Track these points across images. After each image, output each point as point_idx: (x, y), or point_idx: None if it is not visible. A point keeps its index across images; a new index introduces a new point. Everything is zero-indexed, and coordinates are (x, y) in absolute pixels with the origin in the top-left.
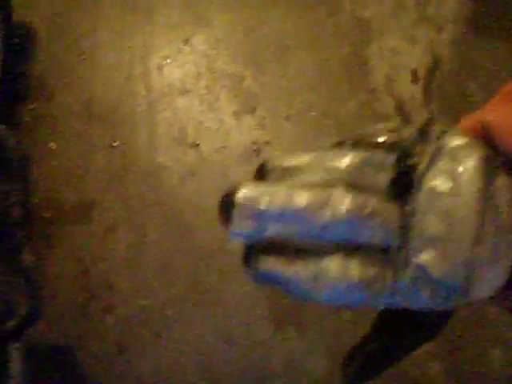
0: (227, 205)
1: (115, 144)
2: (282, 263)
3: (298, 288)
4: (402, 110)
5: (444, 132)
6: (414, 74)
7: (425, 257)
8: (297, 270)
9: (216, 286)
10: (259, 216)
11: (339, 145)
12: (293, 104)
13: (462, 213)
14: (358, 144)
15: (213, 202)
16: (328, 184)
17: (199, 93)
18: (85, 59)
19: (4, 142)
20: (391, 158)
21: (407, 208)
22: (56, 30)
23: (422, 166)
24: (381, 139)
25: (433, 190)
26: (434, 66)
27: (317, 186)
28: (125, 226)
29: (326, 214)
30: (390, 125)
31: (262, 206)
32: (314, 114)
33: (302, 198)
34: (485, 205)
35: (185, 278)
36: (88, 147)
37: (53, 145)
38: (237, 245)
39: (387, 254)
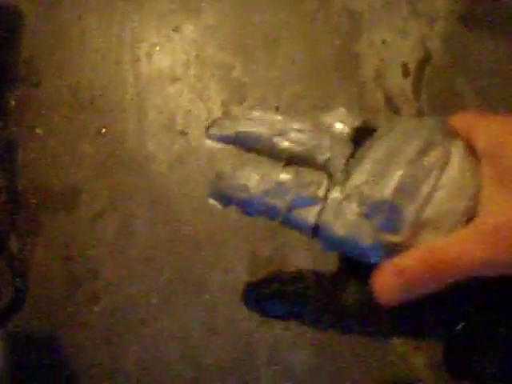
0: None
1: (103, 131)
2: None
3: (243, 197)
4: (391, 103)
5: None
6: (405, 67)
7: (364, 177)
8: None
9: (202, 275)
10: (235, 121)
11: None
12: (282, 95)
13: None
14: None
15: (201, 190)
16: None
17: (188, 81)
18: (73, 45)
19: None
20: (359, 116)
21: (362, 149)
22: (44, 14)
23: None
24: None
25: (385, 138)
26: (425, 60)
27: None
28: (112, 214)
29: (289, 125)
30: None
31: (240, 116)
32: (303, 105)
33: (273, 116)
34: (433, 147)
35: (171, 267)
36: (75, 133)
37: (39, 130)
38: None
39: (328, 174)
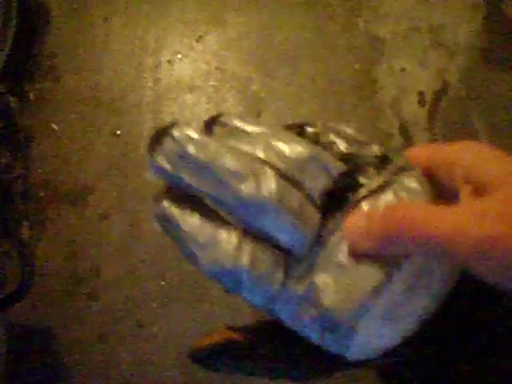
0: (160, 136)
1: (118, 132)
2: (185, 214)
3: (186, 247)
4: (405, 131)
5: (402, 168)
6: (421, 96)
7: (324, 279)
8: (194, 228)
9: (204, 282)
10: (182, 158)
11: (300, 128)
12: (299, 112)
13: None
14: (316, 141)
15: None
16: (264, 162)
17: (207, 91)
18: (96, 45)
19: (14, 115)
20: (339, 168)
21: (331, 224)
22: (70, 12)
23: (363, 190)
24: (341, 146)
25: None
26: (442, 91)
27: (252, 158)
28: (119, 215)
29: (247, 188)
30: (359, 135)
31: (190, 150)
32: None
33: (229, 162)
34: None
35: (174, 272)
36: (90, 133)
37: (55, 126)
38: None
39: (288, 258)
